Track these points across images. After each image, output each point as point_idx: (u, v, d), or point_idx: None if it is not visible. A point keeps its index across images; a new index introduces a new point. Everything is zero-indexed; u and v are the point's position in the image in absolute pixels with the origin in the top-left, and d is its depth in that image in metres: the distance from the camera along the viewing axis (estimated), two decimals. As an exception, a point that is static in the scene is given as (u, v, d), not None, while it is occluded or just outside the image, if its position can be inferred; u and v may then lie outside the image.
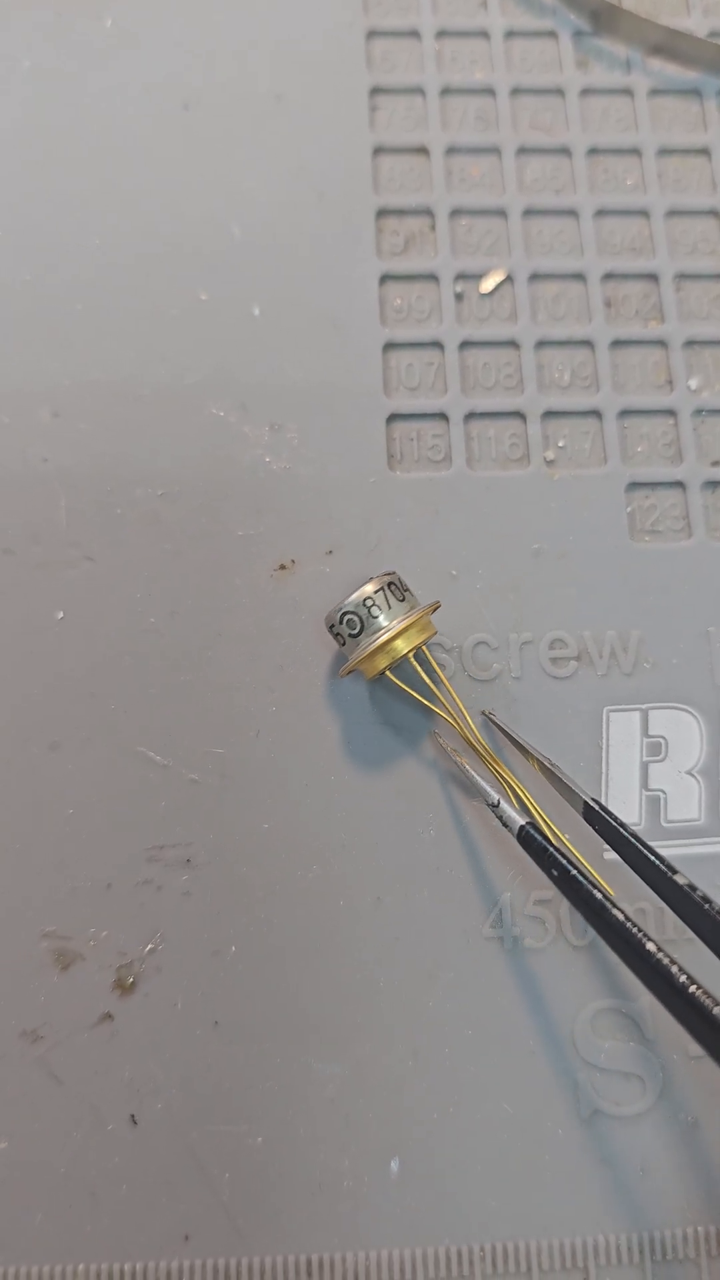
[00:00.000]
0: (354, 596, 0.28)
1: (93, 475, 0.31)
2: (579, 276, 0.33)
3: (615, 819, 0.27)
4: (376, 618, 0.28)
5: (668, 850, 0.30)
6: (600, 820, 0.27)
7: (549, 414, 0.32)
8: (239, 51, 0.34)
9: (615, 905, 0.24)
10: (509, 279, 0.33)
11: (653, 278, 0.34)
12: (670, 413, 0.33)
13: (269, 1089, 0.28)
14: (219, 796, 0.29)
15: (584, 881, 0.25)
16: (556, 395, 0.33)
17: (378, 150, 0.34)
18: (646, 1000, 0.29)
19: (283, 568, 0.31)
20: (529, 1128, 0.28)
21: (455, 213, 0.34)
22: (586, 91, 0.35)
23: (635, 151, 0.35)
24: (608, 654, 0.31)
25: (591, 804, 0.27)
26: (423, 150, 0.34)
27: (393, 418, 0.32)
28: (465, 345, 0.33)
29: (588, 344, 0.33)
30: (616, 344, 0.33)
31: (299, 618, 0.30)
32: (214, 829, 0.29)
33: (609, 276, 0.33)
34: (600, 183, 0.34)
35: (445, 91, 0.35)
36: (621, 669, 0.31)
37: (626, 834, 0.26)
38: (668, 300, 0.33)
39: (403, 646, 0.28)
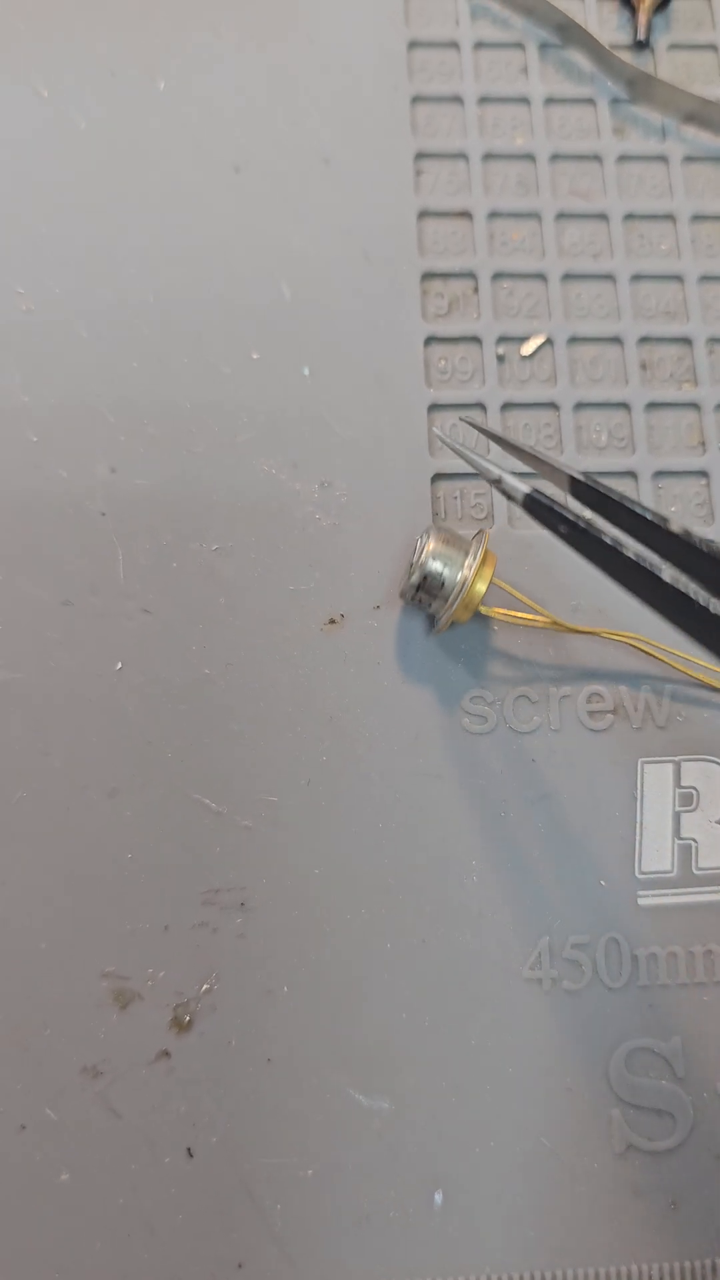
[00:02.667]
0: (422, 558, 0.30)
1: (149, 529, 0.32)
2: (616, 340, 0.35)
3: (603, 487, 0.26)
4: (450, 570, 0.30)
5: (702, 897, 0.31)
6: (587, 492, 0.26)
7: (587, 474, 0.34)
8: (288, 115, 0.36)
9: (626, 545, 0.24)
10: (549, 342, 0.35)
11: (687, 341, 0.35)
12: (703, 474, 0.34)
13: (318, 1123, 0.29)
14: (272, 842, 0.31)
15: (593, 530, 0.25)
16: (594, 456, 0.34)
17: (422, 214, 0.36)
18: (678, 1040, 0.31)
19: (332, 622, 0.32)
20: (566, 1161, 0.30)
21: (497, 276, 0.35)
22: (623, 158, 0.37)
23: (670, 217, 0.36)
24: (643, 708, 0.32)
25: (578, 477, 0.26)
26: (466, 214, 0.36)
27: (437, 477, 0.33)
28: (507, 406, 0.34)
29: (624, 406, 0.35)
30: (651, 406, 0.35)
31: (348, 670, 0.32)
32: (267, 873, 0.31)
33: (645, 340, 0.35)
34: (636, 248, 0.36)
35: (487, 157, 0.36)
36: (655, 722, 0.32)
37: (614, 498, 0.25)
38: (700, 364, 0.35)
39: (483, 586, 0.30)
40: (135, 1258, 0.29)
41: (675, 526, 0.24)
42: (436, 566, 0.29)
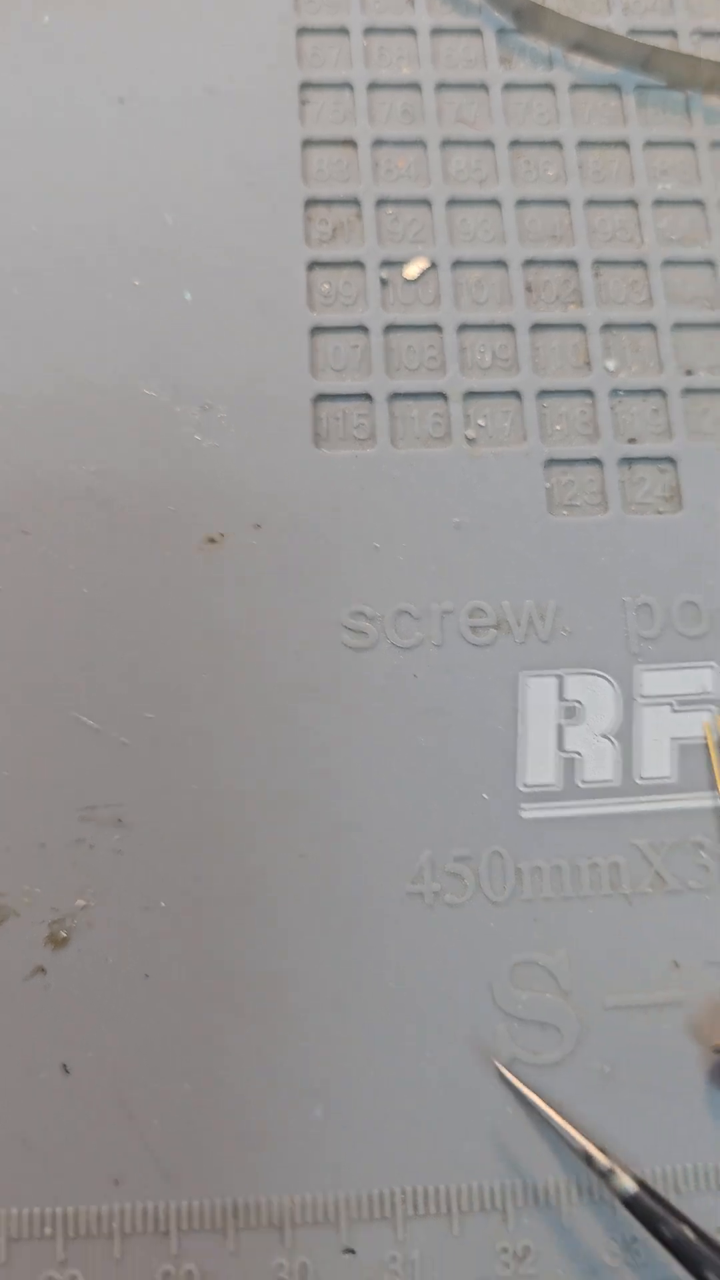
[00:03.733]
0: None
1: (28, 450, 0.33)
2: (501, 263, 0.35)
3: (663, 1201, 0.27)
4: None
5: (586, 810, 0.31)
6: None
7: (470, 394, 0.34)
8: (173, 48, 0.36)
9: None
10: (433, 266, 0.35)
11: (572, 264, 0.36)
12: (588, 393, 0.35)
13: (197, 1039, 0.29)
14: (150, 759, 0.31)
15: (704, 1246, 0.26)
16: (478, 376, 0.34)
17: (307, 142, 0.36)
18: (563, 953, 0.31)
19: (212, 540, 0.32)
20: (449, 1075, 0.30)
21: (381, 202, 0.36)
22: (510, 86, 0.37)
23: (556, 144, 0.37)
24: (526, 622, 0.32)
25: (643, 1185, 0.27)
26: (350, 143, 0.36)
27: (319, 398, 0.34)
28: (390, 329, 0.35)
29: (509, 327, 0.35)
30: (536, 327, 0.35)
31: (226, 587, 0.32)
32: (145, 790, 0.31)
33: (530, 263, 0.35)
34: (522, 174, 0.36)
35: (373, 86, 0.37)
36: (539, 636, 0.32)
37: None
38: (586, 285, 0.35)
39: None
40: (10, 1173, 0.29)
41: None
42: None
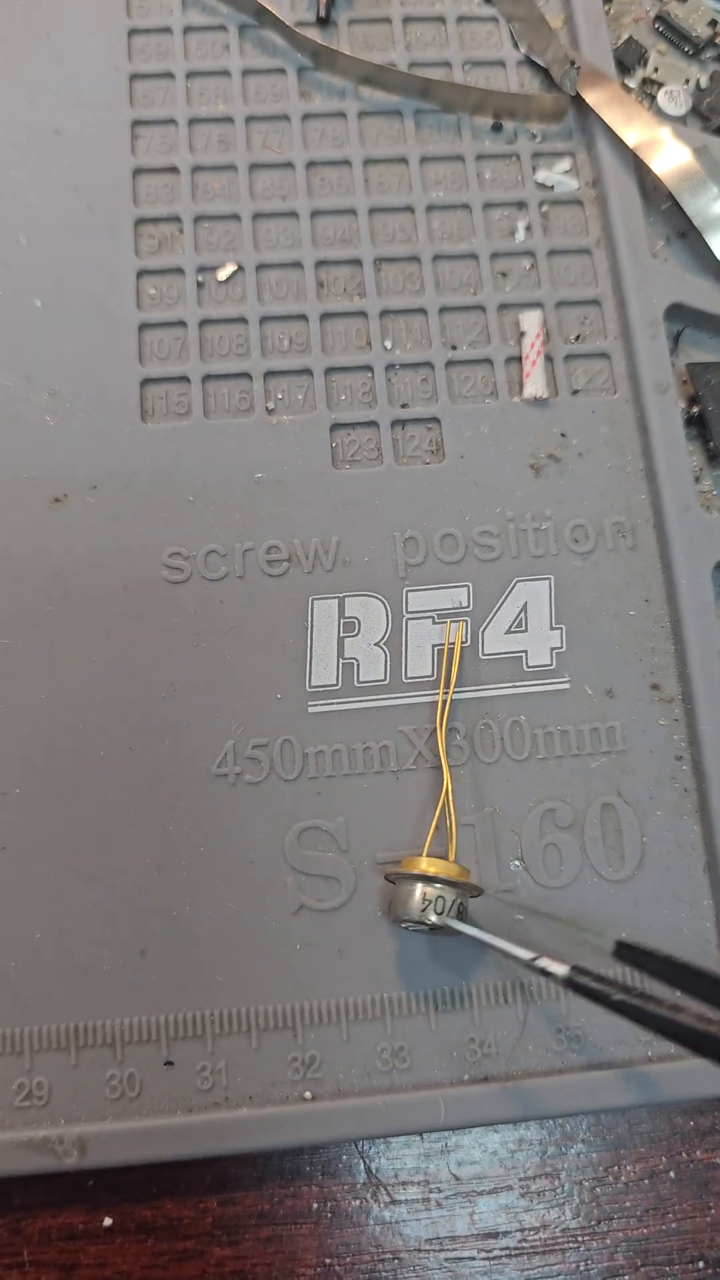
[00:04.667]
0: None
1: None
2: (298, 264, 0.38)
3: (643, 945, 0.28)
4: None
5: (361, 704, 0.35)
6: (628, 951, 0.28)
7: (270, 373, 0.37)
8: (25, 95, 0.39)
9: (680, 1008, 0.26)
10: (240, 269, 0.38)
11: (357, 262, 0.38)
12: (368, 368, 0.37)
13: (44, 896, 0.32)
14: (4, 674, 0.34)
15: (643, 1003, 0.26)
16: (277, 358, 0.37)
17: (138, 171, 0.39)
18: (342, 819, 0.34)
19: (57, 500, 0.36)
20: (249, 920, 0.32)
21: (199, 218, 0.38)
22: (308, 116, 0.40)
23: (346, 163, 0.39)
24: (313, 556, 0.35)
25: (621, 939, 0.28)
26: (174, 170, 0.39)
27: (146, 381, 0.37)
28: (205, 323, 0.37)
29: (303, 318, 0.37)
30: (326, 316, 0.38)
31: (68, 536, 0.35)
32: (0, 698, 0.34)
33: (322, 263, 0.38)
34: (317, 189, 0.39)
35: (193, 121, 0.39)
36: (324, 567, 0.35)
37: (659, 954, 0.28)
38: (369, 279, 0.38)
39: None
40: None
41: None
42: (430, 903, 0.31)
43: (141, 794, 0.33)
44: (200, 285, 0.37)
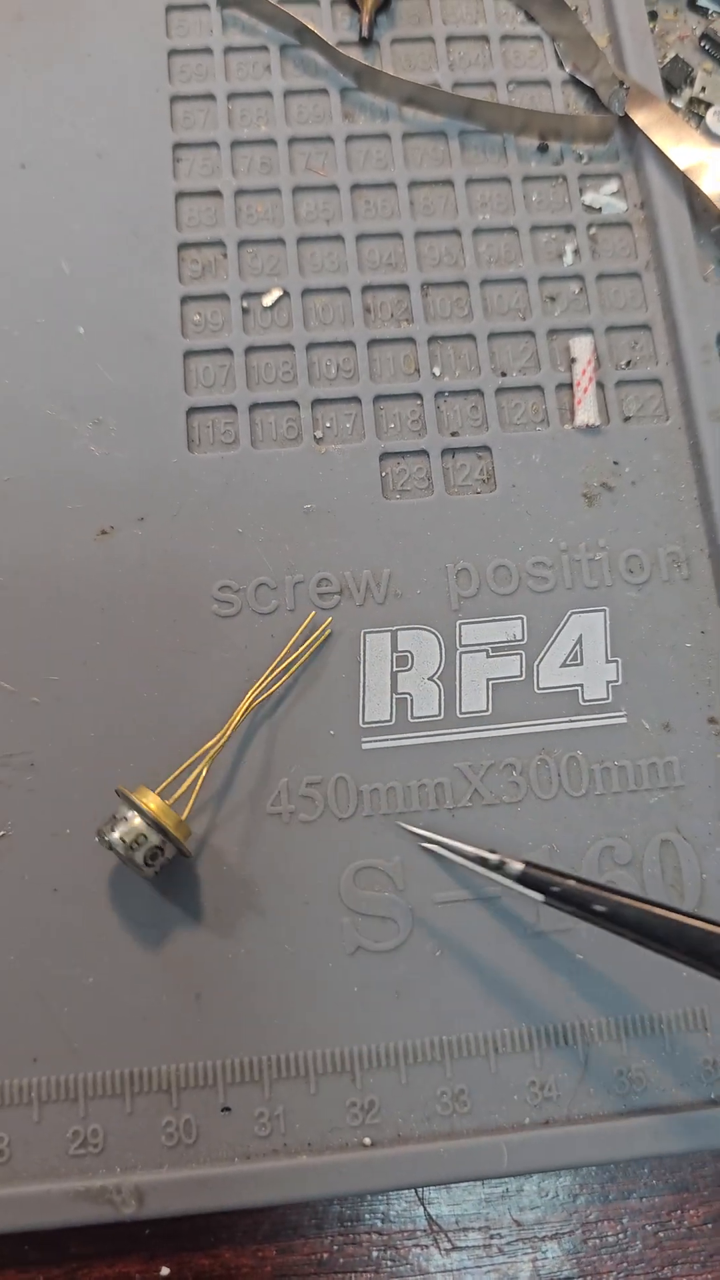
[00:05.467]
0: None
1: (-51, 466, 0.35)
2: (344, 289, 0.37)
3: (554, 871, 0.29)
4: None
5: (415, 741, 0.33)
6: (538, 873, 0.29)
7: (318, 401, 0.36)
8: (67, 118, 0.38)
9: (629, 898, 0.28)
10: (286, 294, 0.37)
11: (404, 287, 0.37)
12: (417, 395, 0.36)
13: (96, 939, 0.31)
14: (55, 713, 0.33)
15: (595, 891, 0.28)
16: (324, 386, 0.36)
17: (180, 195, 0.37)
18: (398, 858, 0.33)
19: (104, 532, 0.34)
20: (306, 962, 0.31)
21: (243, 243, 0.37)
22: (352, 137, 0.39)
23: (391, 185, 0.38)
24: (364, 588, 0.34)
25: (531, 862, 0.29)
26: (217, 193, 0.38)
27: (192, 410, 0.35)
28: (250, 350, 0.36)
29: (350, 344, 0.36)
30: (373, 342, 0.36)
31: (117, 570, 0.34)
32: (52, 739, 0.32)
33: (368, 288, 0.37)
34: (362, 212, 0.38)
35: (235, 144, 0.38)
36: (375, 599, 0.34)
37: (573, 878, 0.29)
38: (416, 305, 0.37)
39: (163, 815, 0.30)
40: (-54, 1056, 0.31)
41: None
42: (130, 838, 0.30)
43: (194, 833, 0.32)
44: (245, 311, 0.36)
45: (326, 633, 0.33)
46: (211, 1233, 0.31)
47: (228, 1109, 0.31)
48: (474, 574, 0.34)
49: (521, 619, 0.34)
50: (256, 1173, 0.30)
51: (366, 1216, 0.31)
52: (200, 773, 0.31)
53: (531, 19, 0.39)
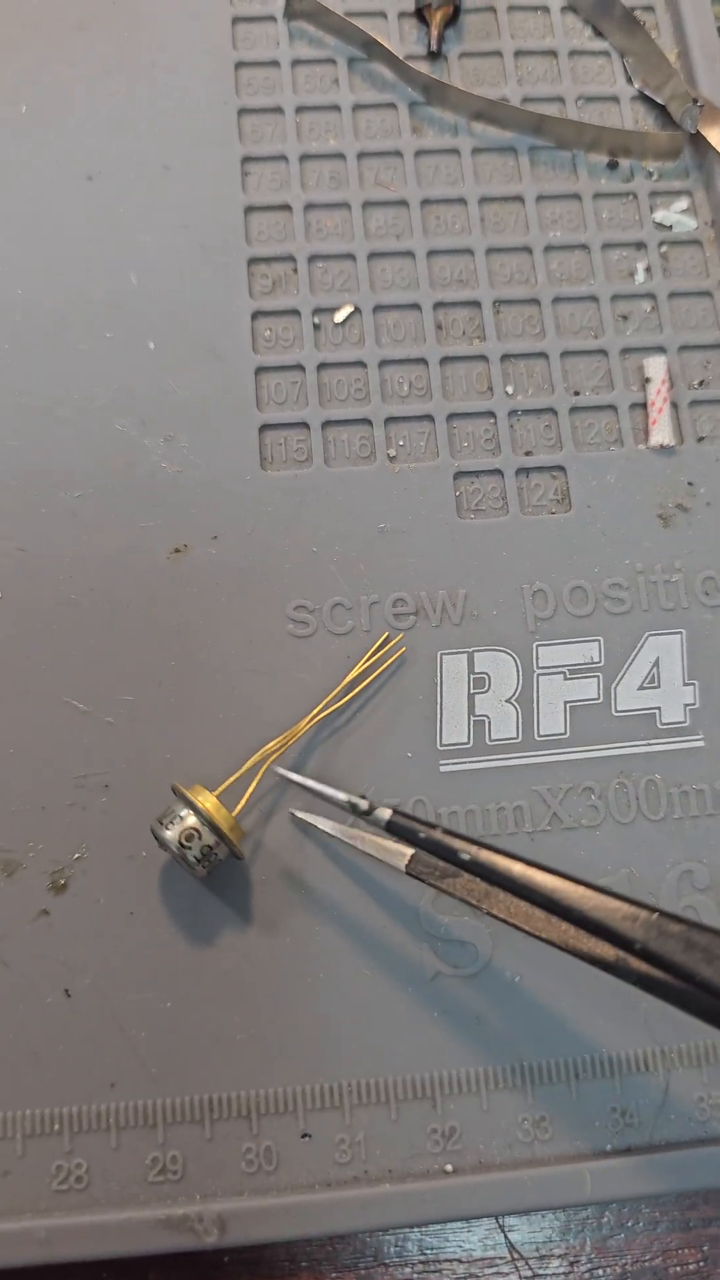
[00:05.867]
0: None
1: (21, 481, 0.34)
2: (415, 306, 0.36)
3: (418, 820, 0.28)
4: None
5: (493, 763, 0.33)
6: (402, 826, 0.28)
7: (391, 419, 0.35)
8: (133, 130, 0.37)
9: (491, 846, 0.27)
10: (357, 311, 0.36)
11: (476, 304, 0.37)
12: (490, 414, 0.36)
13: (174, 963, 0.31)
14: (130, 734, 0.32)
15: (460, 842, 0.27)
16: (397, 404, 0.36)
17: (249, 209, 0.37)
18: (477, 883, 0.32)
19: (177, 550, 0.34)
20: (385, 988, 0.31)
21: (313, 258, 0.37)
22: (421, 153, 0.38)
23: (461, 201, 0.38)
24: (440, 609, 0.34)
25: (398, 810, 0.29)
26: (286, 207, 0.37)
27: (264, 427, 0.35)
28: (322, 366, 0.36)
29: (422, 361, 0.36)
30: (446, 360, 0.36)
31: (190, 589, 0.33)
32: (126, 760, 0.32)
33: (439, 305, 0.36)
34: (432, 228, 0.37)
35: (304, 158, 0.38)
36: (452, 620, 0.34)
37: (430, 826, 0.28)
38: (488, 322, 0.37)
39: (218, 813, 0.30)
40: (24, 1081, 0.30)
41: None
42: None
43: (273, 856, 0.32)
44: (317, 327, 0.35)
45: (401, 650, 0.32)
46: (290, 1259, 0.30)
47: (308, 1135, 0.30)
48: (550, 595, 0.34)
49: (598, 641, 0.33)
50: (339, 1200, 0.29)
51: (448, 1242, 0.31)
52: (261, 773, 0.30)
53: (600, 34, 0.39)
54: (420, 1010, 0.31)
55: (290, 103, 0.38)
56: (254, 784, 0.31)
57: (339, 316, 0.36)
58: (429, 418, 0.35)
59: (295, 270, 0.36)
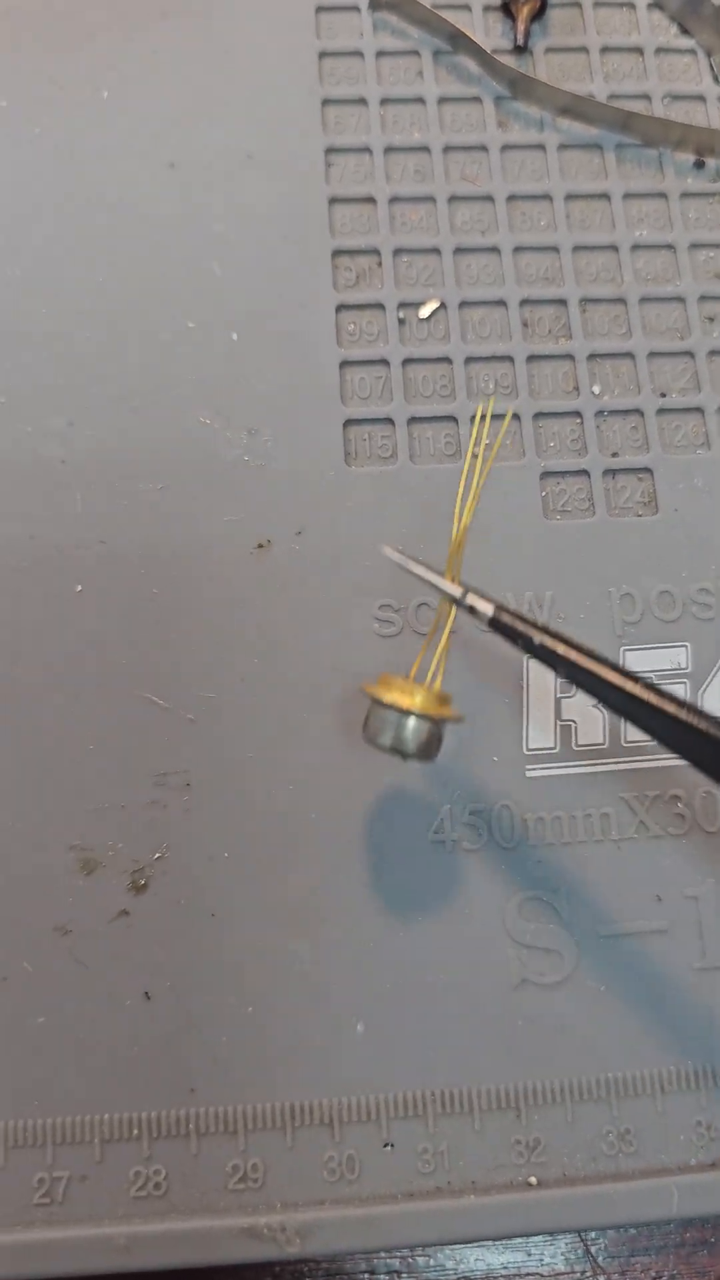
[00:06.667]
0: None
1: (103, 472, 0.33)
2: (501, 303, 0.36)
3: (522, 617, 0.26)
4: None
5: (581, 769, 0.32)
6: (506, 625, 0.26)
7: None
8: (216, 118, 0.36)
9: (598, 656, 0.25)
10: (443, 306, 0.35)
11: (562, 302, 0.36)
12: (577, 414, 0.35)
13: (255, 967, 0.30)
14: (211, 732, 0.31)
15: (564, 644, 0.25)
16: (482, 401, 0.35)
17: (333, 200, 0.36)
18: (564, 890, 0.31)
19: (260, 546, 0.33)
20: (469, 995, 0.30)
21: (398, 252, 0.36)
22: (507, 147, 0.37)
23: (547, 197, 0.37)
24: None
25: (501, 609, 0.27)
26: (370, 200, 0.36)
27: (349, 422, 0.34)
28: (407, 362, 0.35)
29: (508, 359, 0.35)
30: (532, 358, 0.35)
31: (274, 586, 0.32)
32: (208, 758, 0.31)
33: (526, 302, 0.36)
34: (518, 224, 0.36)
35: (389, 150, 0.37)
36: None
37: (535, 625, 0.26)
38: (574, 320, 0.36)
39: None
40: (102, 1086, 0.29)
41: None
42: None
43: (356, 859, 0.31)
44: (402, 322, 0.34)
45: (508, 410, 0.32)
46: (370, 1271, 0.29)
47: (390, 1144, 0.29)
48: (637, 599, 0.33)
49: (686, 646, 0.32)
50: (422, 1211, 0.29)
51: (530, 1255, 0.30)
52: (446, 635, 0.29)
53: (686, 32, 0.38)
54: (504, 1019, 0.30)
55: (375, 94, 0.37)
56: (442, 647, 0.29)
57: (424, 311, 0.35)
58: (515, 416, 0.34)
59: (380, 264, 0.35)
